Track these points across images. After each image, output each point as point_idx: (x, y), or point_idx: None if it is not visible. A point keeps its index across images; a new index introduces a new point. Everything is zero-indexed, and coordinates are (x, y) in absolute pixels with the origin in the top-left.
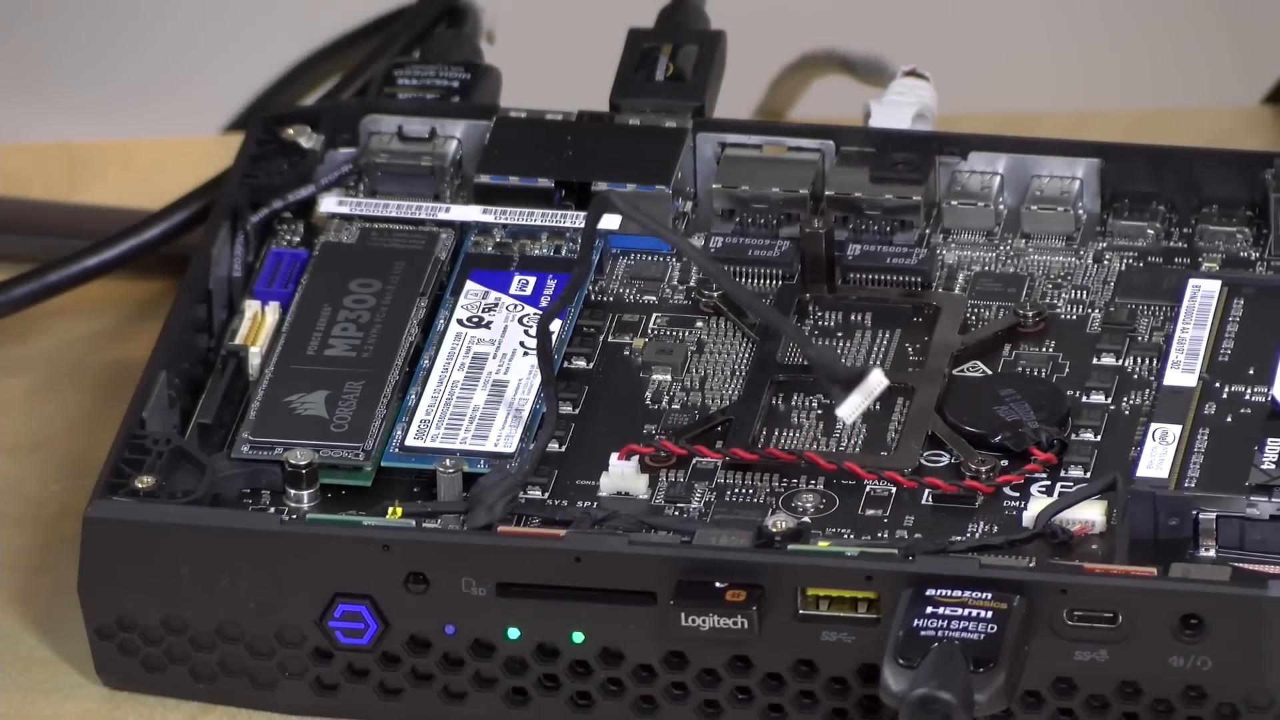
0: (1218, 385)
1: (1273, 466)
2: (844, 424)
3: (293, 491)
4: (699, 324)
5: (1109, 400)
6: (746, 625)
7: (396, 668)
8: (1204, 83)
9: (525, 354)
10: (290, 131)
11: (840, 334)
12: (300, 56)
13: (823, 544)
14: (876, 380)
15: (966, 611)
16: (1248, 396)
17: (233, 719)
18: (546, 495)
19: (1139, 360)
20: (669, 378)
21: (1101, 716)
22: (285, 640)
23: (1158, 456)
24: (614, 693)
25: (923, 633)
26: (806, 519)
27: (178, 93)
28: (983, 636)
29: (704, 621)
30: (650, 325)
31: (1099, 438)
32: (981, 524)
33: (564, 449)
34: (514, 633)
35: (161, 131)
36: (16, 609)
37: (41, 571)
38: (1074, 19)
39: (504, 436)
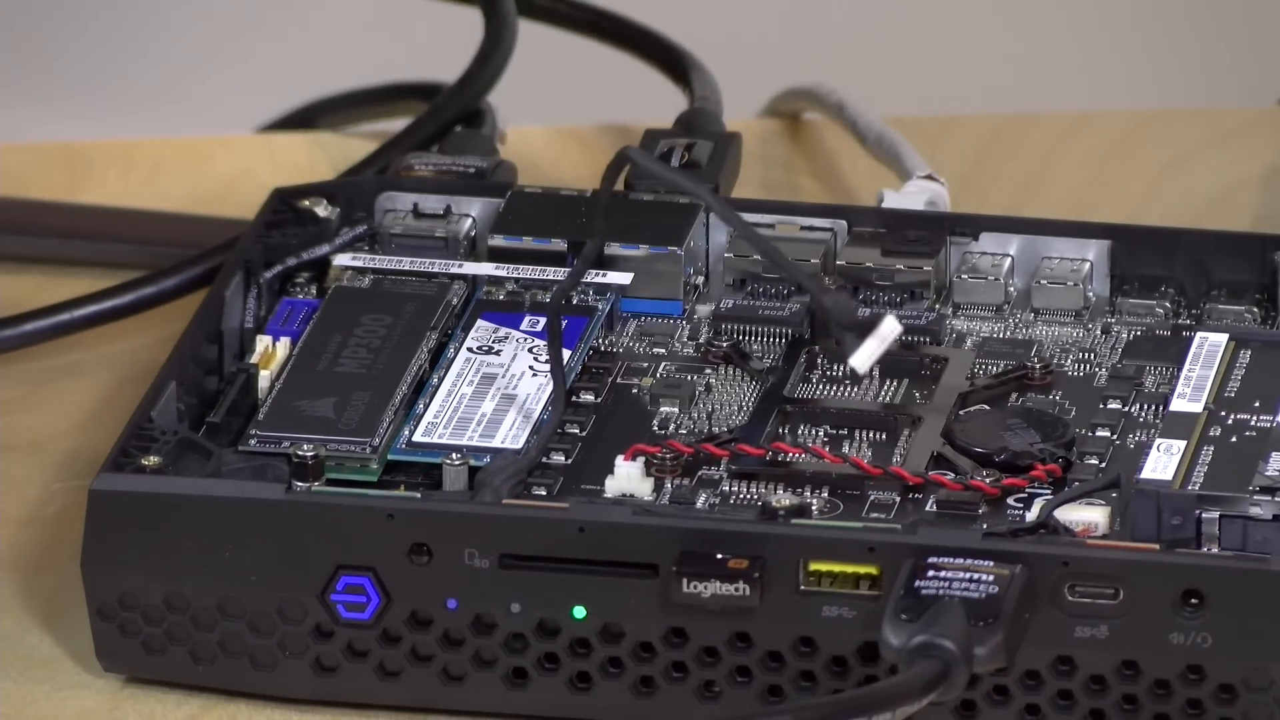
0: (1223, 414)
1: (1276, 473)
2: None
3: (299, 485)
4: (707, 370)
5: (1114, 436)
6: (748, 592)
7: (397, 646)
8: (1204, 83)
9: (535, 375)
10: (306, 203)
11: (848, 382)
12: (317, 96)
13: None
14: (890, 327)
15: (968, 575)
16: (1253, 422)
17: (233, 717)
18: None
19: (1145, 406)
20: (676, 409)
21: (1100, 698)
22: (286, 616)
23: (1162, 463)
24: (613, 674)
25: (924, 591)
26: (810, 501)
27: (178, 93)
28: (984, 596)
29: (705, 588)
30: (659, 370)
31: (1104, 464)
32: (985, 528)
33: (570, 462)
34: (516, 607)
35: (161, 131)
36: (17, 609)
37: (42, 571)
38: (1074, 19)
39: (511, 436)
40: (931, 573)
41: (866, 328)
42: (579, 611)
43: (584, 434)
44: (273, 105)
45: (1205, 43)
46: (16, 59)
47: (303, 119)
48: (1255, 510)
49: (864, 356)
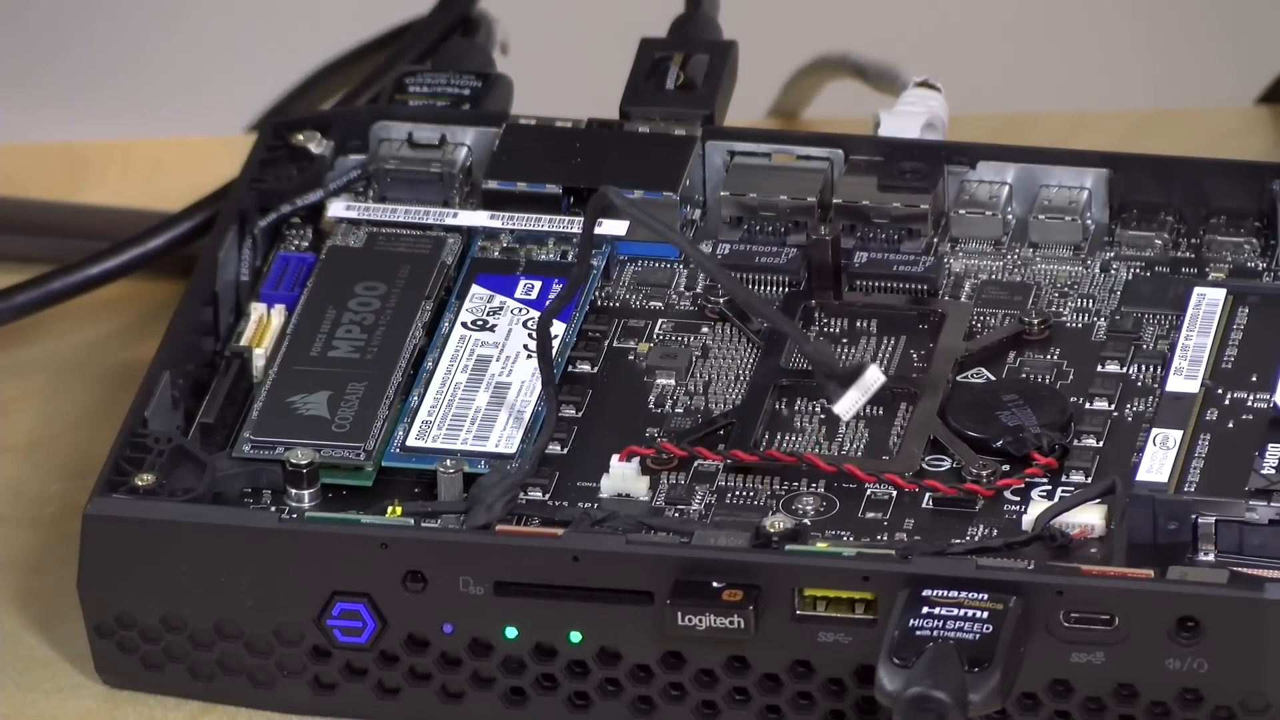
0: (1220, 391)
1: (1272, 471)
2: (843, 422)
3: (293, 491)
4: (704, 329)
5: (1112, 407)
6: (743, 625)
7: (394, 666)
8: (1204, 83)
9: (529, 357)
10: (300, 137)
11: (845, 340)
12: (316, 66)
13: (820, 545)
14: (873, 377)
15: (962, 612)
16: (1250, 403)
17: (232, 719)
18: (547, 496)
19: (1143, 367)
20: (673, 382)
21: (1098, 718)
22: (283, 639)
23: (1158, 461)
24: (611, 693)
25: (918, 632)
26: (806, 521)
27: (178, 93)
28: (978, 636)
29: (700, 621)
30: (655, 330)
31: (1101, 443)
32: (981, 528)
33: (565, 451)
34: (511, 632)
35: (161, 131)
36: (16, 609)
37: (41, 571)
38: (1074, 19)
39: (505, 438)
40: (925, 609)
41: (849, 377)
42: (575, 636)
43: (580, 415)
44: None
45: (1205, 43)
46: (16, 59)
47: (296, 97)
48: (1251, 515)
49: (846, 405)
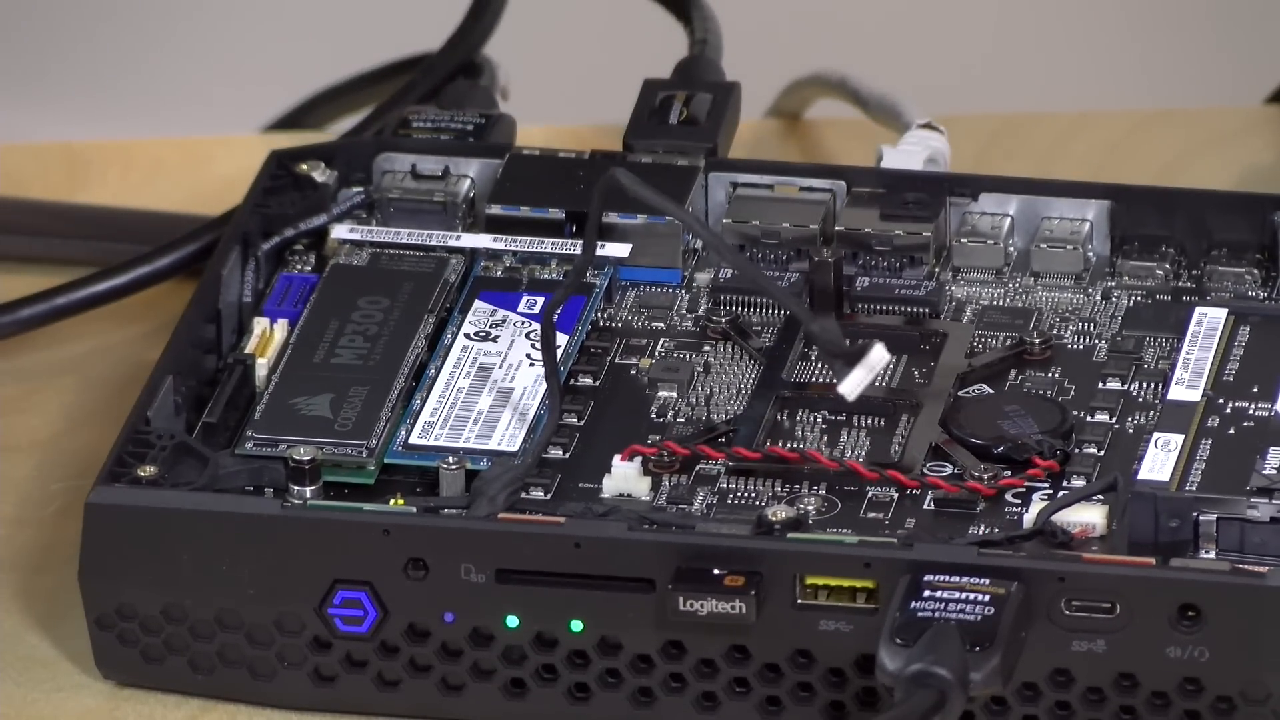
0: (1221, 401)
1: (1274, 472)
2: (844, 431)
3: (295, 488)
4: (706, 348)
5: (1113, 420)
6: (744, 609)
7: (395, 657)
8: (1204, 83)
9: (531, 365)
10: (304, 166)
11: None
12: (318, 89)
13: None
14: (879, 355)
15: (964, 595)
16: (1251, 411)
17: (232, 718)
18: (548, 497)
19: (1144, 385)
20: (674, 394)
21: (1098, 710)
22: (284, 629)
23: (1159, 462)
24: (612, 684)
25: (920, 614)
26: (809, 520)
27: (178, 93)
28: (980, 618)
29: (701, 606)
30: (658, 349)
31: (1102, 452)
32: (982, 528)
33: (567, 456)
34: (513, 621)
35: (161, 131)
36: (17, 609)
37: (42, 571)
38: (1074, 19)
39: (508, 437)
40: (927, 592)
41: (855, 356)
42: (576, 625)
43: (581, 423)
44: (273, 105)
45: (1205, 43)
46: (16, 59)
47: (302, 113)
48: (1253, 513)
49: (852, 384)
